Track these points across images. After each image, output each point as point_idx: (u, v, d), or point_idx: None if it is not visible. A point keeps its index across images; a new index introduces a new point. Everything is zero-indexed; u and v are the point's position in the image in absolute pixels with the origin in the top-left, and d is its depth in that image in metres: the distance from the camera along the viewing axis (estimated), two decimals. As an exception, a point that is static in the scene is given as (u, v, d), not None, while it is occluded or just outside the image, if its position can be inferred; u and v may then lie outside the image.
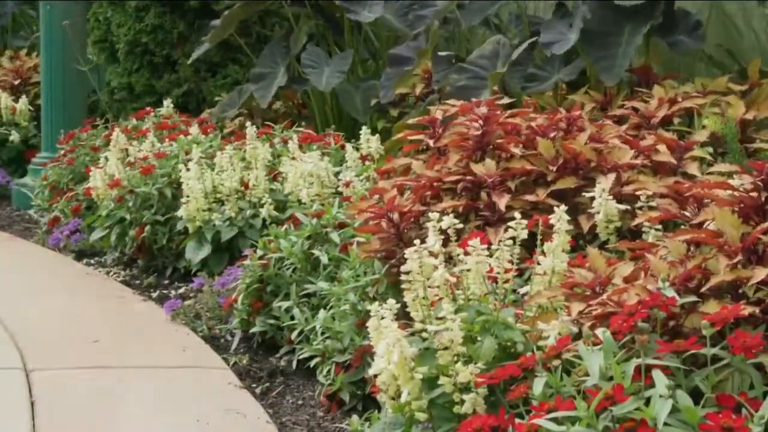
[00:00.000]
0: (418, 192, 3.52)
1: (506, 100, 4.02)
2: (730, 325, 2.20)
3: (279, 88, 6.05)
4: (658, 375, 2.11)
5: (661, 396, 2.06)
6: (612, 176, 3.29)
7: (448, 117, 3.81)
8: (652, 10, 4.47)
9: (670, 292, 2.31)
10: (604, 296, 2.42)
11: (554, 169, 3.42)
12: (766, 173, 2.51)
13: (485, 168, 3.44)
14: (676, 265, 2.43)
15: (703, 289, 2.34)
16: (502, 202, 3.31)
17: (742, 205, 2.51)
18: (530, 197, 3.35)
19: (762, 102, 4.11)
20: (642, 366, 2.15)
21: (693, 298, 2.33)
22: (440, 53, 5.21)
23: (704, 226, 2.55)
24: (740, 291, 2.36)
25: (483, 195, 3.40)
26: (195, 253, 4.89)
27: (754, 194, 2.52)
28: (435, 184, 3.51)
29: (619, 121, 4.07)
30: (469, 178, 3.45)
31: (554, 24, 4.72)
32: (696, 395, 2.13)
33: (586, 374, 2.23)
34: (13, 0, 9.75)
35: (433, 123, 3.83)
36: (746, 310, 2.20)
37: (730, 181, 2.62)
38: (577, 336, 2.43)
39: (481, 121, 3.58)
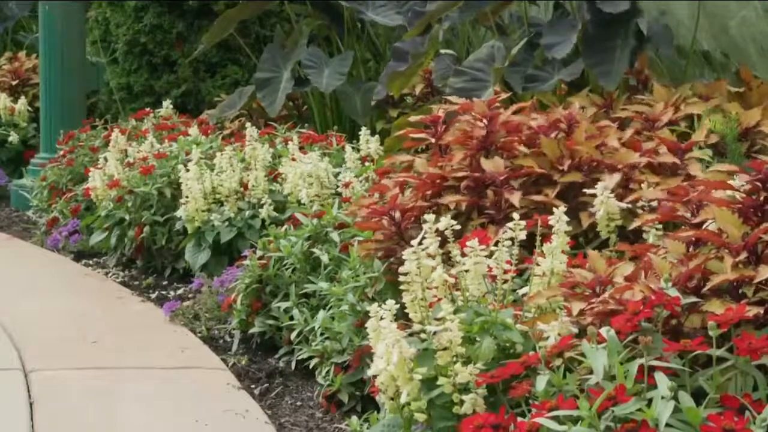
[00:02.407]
0: (420, 189, 3.51)
1: (503, 96, 4.02)
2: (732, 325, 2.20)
3: (286, 95, 6.03)
4: (660, 377, 2.10)
5: (663, 398, 2.06)
6: (617, 175, 3.29)
7: (450, 114, 3.80)
8: (634, 13, 4.51)
9: (674, 292, 2.31)
10: (606, 294, 2.42)
11: (563, 168, 3.41)
12: (765, 173, 2.51)
13: (494, 165, 3.43)
14: (676, 265, 2.43)
15: (705, 289, 2.34)
16: (515, 198, 3.30)
17: (741, 206, 2.50)
18: (537, 197, 3.34)
19: (762, 105, 4.11)
20: (645, 366, 2.14)
21: (695, 299, 2.33)
22: (442, 51, 5.22)
23: (704, 227, 2.54)
24: (740, 291, 2.35)
25: (488, 193, 3.39)
26: (194, 255, 4.88)
27: (754, 194, 2.52)
28: (438, 181, 3.51)
29: (622, 124, 4.07)
30: (476, 175, 3.44)
31: (555, 26, 4.72)
32: (698, 395, 2.12)
33: (588, 373, 2.23)
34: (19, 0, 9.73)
35: (435, 121, 3.83)
36: (751, 312, 2.20)
37: (730, 182, 2.62)
38: (579, 335, 2.43)
39: (485, 120, 3.58)
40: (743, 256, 2.36)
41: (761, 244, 2.40)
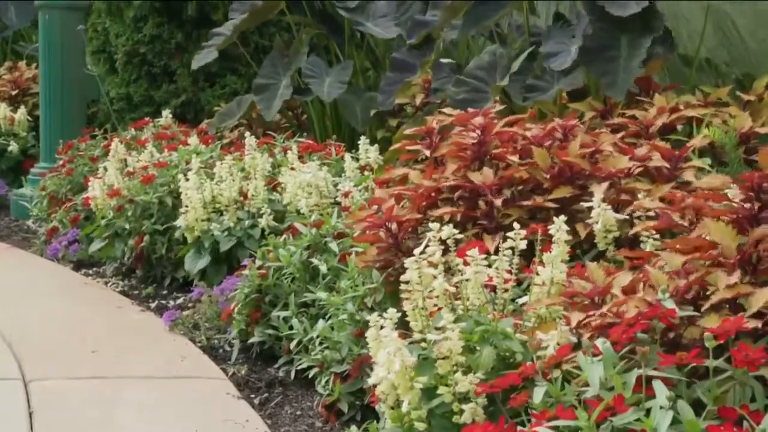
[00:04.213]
0: (415, 201, 3.52)
1: (499, 107, 4.02)
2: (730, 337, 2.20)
3: (284, 101, 6.03)
4: (658, 386, 2.10)
5: (661, 407, 2.06)
6: (605, 185, 3.28)
7: (444, 127, 3.81)
8: (646, 19, 4.46)
9: (670, 304, 2.31)
10: (604, 309, 2.42)
11: (549, 177, 3.42)
12: (757, 183, 2.51)
13: (483, 176, 3.44)
14: (674, 277, 2.43)
15: (704, 308, 2.33)
16: (498, 201, 3.32)
17: (736, 216, 2.50)
18: (527, 202, 3.35)
19: (766, 113, 4.11)
20: (643, 377, 2.14)
21: (692, 312, 2.33)
22: (441, 60, 5.21)
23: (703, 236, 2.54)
24: (737, 302, 2.35)
25: (481, 203, 3.40)
26: (194, 264, 4.89)
27: (747, 204, 2.52)
28: (432, 193, 3.51)
29: (619, 129, 4.07)
30: (467, 186, 3.45)
31: (555, 34, 4.70)
32: (697, 407, 2.12)
33: (586, 384, 2.23)
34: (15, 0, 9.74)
35: (429, 133, 3.83)
36: (749, 324, 2.19)
37: (727, 191, 2.62)
38: (577, 345, 2.43)
39: (478, 131, 3.59)
40: (737, 273, 2.35)
41: (757, 255, 2.40)
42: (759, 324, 2.23)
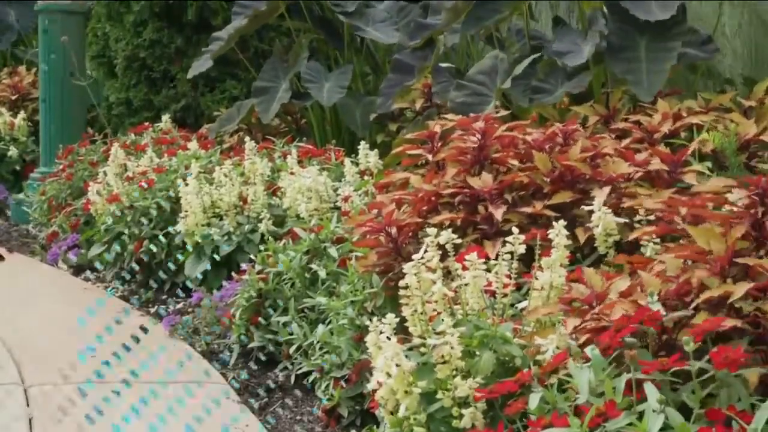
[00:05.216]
0: (416, 206, 3.52)
1: (503, 113, 4.02)
2: (719, 338, 2.19)
3: (282, 105, 6.03)
4: (650, 389, 2.10)
5: (654, 411, 2.05)
6: (607, 189, 3.28)
7: (447, 131, 3.81)
8: (674, 21, 4.43)
9: (657, 306, 2.30)
10: (596, 310, 2.42)
11: (549, 181, 3.42)
12: (764, 188, 2.49)
13: (482, 181, 3.44)
14: (670, 281, 2.43)
15: (693, 305, 2.33)
16: (498, 212, 3.31)
17: (738, 221, 2.49)
18: (527, 209, 3.35)
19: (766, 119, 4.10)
20: (633, 381, 2.14)
21: (685, 312, 2.32)
22: (441, 65, 5.21)
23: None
24: (731, 304, 2.35)
25: (480, 208, 3.40)
26: (193, 268, 4.89)
27: (752, 209, 2.51)
28: (432, 198, 3.51)
29: (622, 135, 4.06)
30: (466, 191, 3.45)
31: (565, 34, 4.70)
32: (684, 410, 2.11)
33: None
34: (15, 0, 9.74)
35: (431, 137, 3.83)
36: (728, 323, 2.18)
37: (728, 196, 2.61)
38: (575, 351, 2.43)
39: (478, 135, 3.59)
40: (727, 272, 2.35)
41: (744, 255, 2.39)
42: (739, 322, 2.22)
